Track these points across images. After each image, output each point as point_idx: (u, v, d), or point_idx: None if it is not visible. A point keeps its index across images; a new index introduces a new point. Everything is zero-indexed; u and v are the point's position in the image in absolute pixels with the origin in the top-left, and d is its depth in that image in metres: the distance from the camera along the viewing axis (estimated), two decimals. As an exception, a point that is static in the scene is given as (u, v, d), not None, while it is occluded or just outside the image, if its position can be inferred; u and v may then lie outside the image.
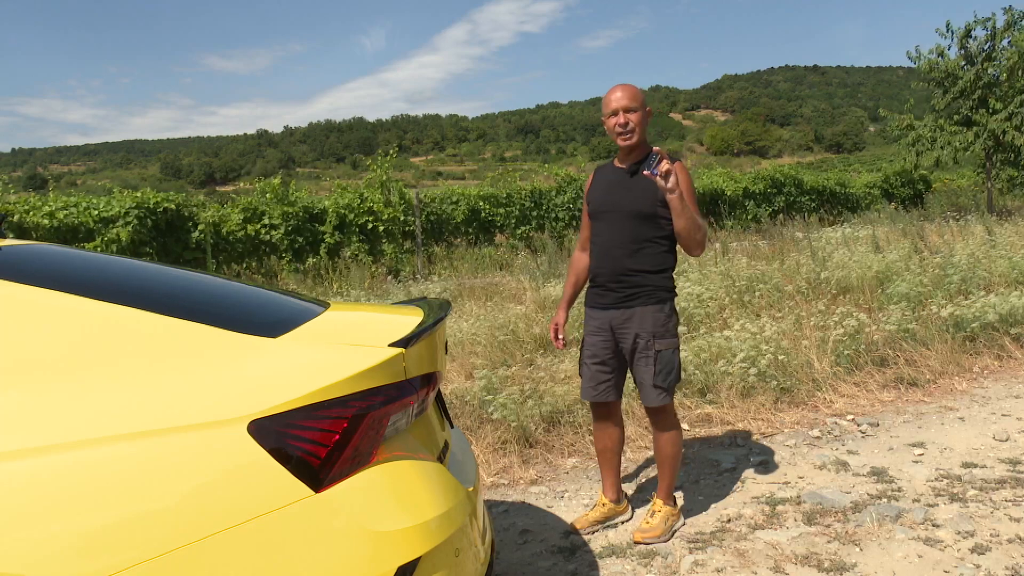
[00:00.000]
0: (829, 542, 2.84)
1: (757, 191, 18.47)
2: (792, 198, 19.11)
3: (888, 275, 7.09)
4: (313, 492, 1.37)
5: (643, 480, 3.58)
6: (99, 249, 9.82)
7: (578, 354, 3.20)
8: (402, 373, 1.56)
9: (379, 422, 1.49)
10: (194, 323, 1.51)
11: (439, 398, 2.11)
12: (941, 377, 5.06)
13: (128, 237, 10.14)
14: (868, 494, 3.26)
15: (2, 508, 1.22)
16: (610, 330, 2.91)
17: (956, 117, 18.24)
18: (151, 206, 10.53)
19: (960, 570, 2.58)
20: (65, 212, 10.07)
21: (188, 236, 10.96)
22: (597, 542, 2.95)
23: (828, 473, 3.55)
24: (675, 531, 2.99)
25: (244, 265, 11.45)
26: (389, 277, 11.63)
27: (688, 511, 3.19)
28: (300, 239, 11.83)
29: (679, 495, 3.32)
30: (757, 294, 6.46)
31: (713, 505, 3.25)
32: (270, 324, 1.64)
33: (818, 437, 4.06)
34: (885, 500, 3.19)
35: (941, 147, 17.99)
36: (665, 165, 2.59)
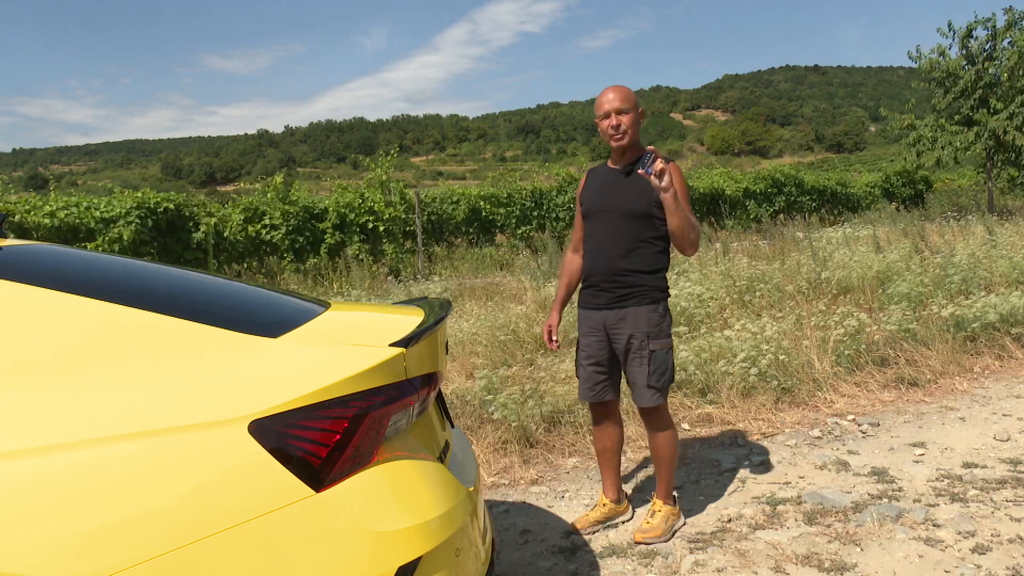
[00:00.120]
0: (830, 542, 2.83)
1: (758, 191, 18.47)
2: (793, 198, 19.10)
3: (889, 275, 7.09)
4: (314, 492, 1.37)
5: (643, 480, 3.58)
6: (101, 249, 9.83)
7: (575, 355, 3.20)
8: (403, 373, 1.56)
9: (380, 422, 1.49)
10: (195, 323, 1.52)
11: (440, 398, 2.11)
12: (942, 377, 5.05)
13: (131, 236, 10.15)
14: (869, 494, 3.26)
15: (2, 508, 1.22)
16: (604, 330, 2.91)
17: (957, 117, 18.23)
18: (152, 206, 10.53)
19: (961, 570, 2.57)
20: (66, 212, 10.07)
21: (189, 236, 10.97)
22: (598, 542, 2.95)
23: (829, 473, 3.55)
24: (676, 531, 2.99)
25: (245, 265, 11.45)
26: (390, 277, 11.63)
27: (689, 511, 3.19)
28: (301, 239, 11.83)
29: (679, 495, 3.32)
30: (758, 294, 6.46)
31: (714, 505, 3.25)
32: (271, 324, 1.64)
33: (819, 437, 4.06)
34: (886, 500, 3.19)
35: (942, 147, 17.98)
36: (659, 164, 2.60)
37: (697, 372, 4.62)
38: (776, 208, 18.55)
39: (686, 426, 4.26)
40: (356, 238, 12.14)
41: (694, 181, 17.22)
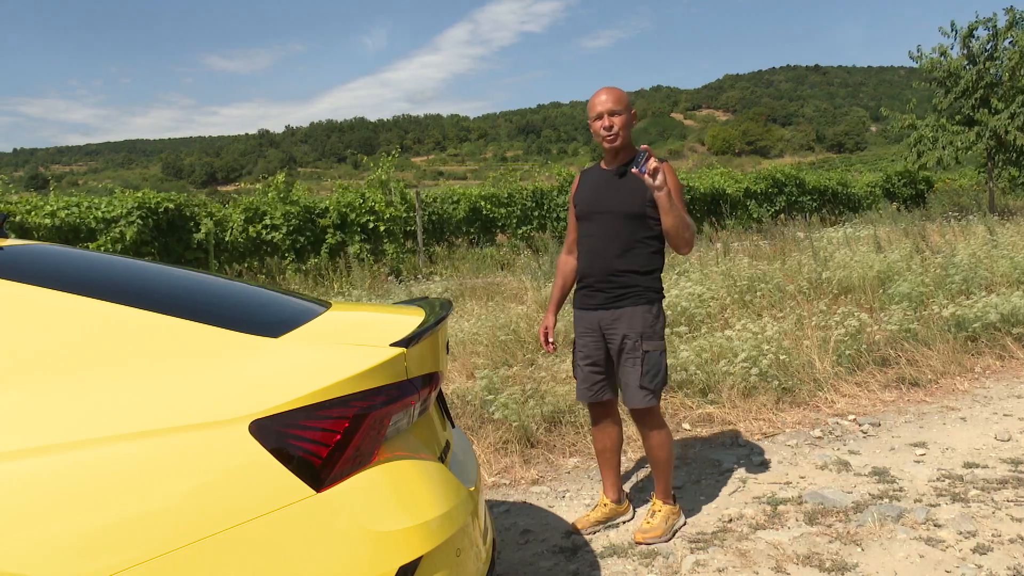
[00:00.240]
0: (831, 542, 2.83)
1: (759, 191, 18.46)
2: (793, 198, 19.10)
3: (890, 275, 7.08)
4: (314, 492, 1.37)
5: (643, 479, 3.58)
6: (102, 249, 9.84)
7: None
8: (403, 373, 1.56)
9: (380, 422, 1.49)
10: (195, 323, 1.51)
11: (440, 398, 2.10)
12: (943, 377, 5.05)
13: (133, 237, 10.15)
14: (870, 494, 3.26)
15: (2, 508, 1.22)
16: (599, 330, 2.91)
17: (958, 117, 18.23)
18: (152, 206, 10.54)
19: (962, 570, 2.57)
20: (67, 212, 10.08)
21: (190, 236, 10.97)
22: (598, 542, 2.95)
23: (830, 473, 3.55)
24: (676, 530, 2.99)
25: (246, 265, 11.46)
26: (390, 277, 11.63)
27: (689, 511, 3.19)
28: (302, 239, 11.84)
29: (680, 495, 3.32)
30: (759, 294, 6.46)
31: (714, 505, 3.25)
32: (271, 324, 1.64)
33: (820, 437, 4.06)
34: (887, 500, 3.18)
35: (943, 147, 17.99)
36: (653, 163, 2.60)
37: (698, 372, 4.62)
38: (777, 208, 18.55)
39: (687, 426, 4.26)
40: (357, 238, 12.14)
41: (695, 181, 17.22)
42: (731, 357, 4.68)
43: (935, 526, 2.92)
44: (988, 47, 17.64)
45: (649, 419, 2.91)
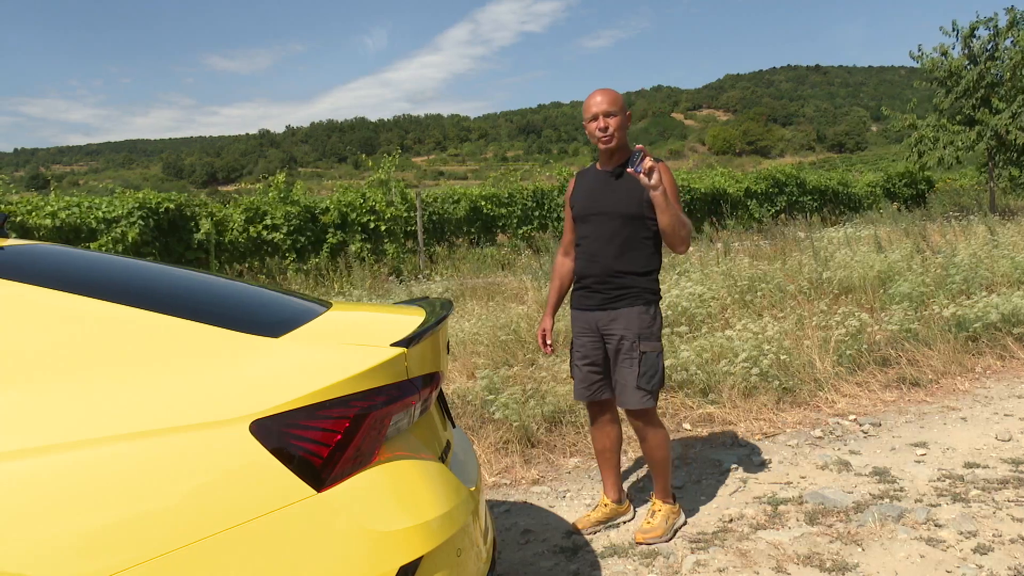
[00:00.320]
0: (831, 542, 2.83)
1: (759, 191, 18.46)
2: (794, 198, 19.09)
3: (890, 275, 7.08)
4: (315, 492, 1.37)
5: (644, 478, 3.58)
6: (103, 249, 9.84)
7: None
8: (404, 373, 1.56)
9: (381, 422, 1.49)
10: (196, 323, 1.51)
11: (441, 398, 2.11)
12: (943, 377, 5.05)
13: (135, 237, 10.16)
14: (870, 494, 3.26)
15: (2, 508, 1.22)
16: (597, 331, 2.92)
17: (959, 117, 18.23)
18: (153, 206, 10.54)
19: (962, 570, 2.57)
20: (67, 212, 10.08)
21: (190, 236, 10.98)
22: (599, 542, 2.95)
23: (830, 473, 3.55)
24: (677, 530, 2.99)
25: (246, 265, 11.46)
26: (391, 277, 11.64)
27: (690, 511, 3.18)
28: (302, 239, 11.84)
29: (681, 495, 3.32)
30: (759, 294, 6.46)
31: (715, 505, 3.25)
32: (272, 324, 1.64)
33: (820, 437, 4.06)
34: (887, 500, 3.18)
35: (943, 147, 17.98)
36: (648, 162, 2.61)
37: (698, 372, 4.62)
38: (777, 208, 18.55)
39: (687, 426, 4.26)
40: (358, 237, 12.15)
41: (696, 182, 17.22)
42: (732, 357, 4.68)
43: (936, 526, 2.92)
44: (989, 47, 17.64)
45: (646, 421, 2.90)
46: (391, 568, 1.39)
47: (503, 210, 14.27)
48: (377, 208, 12.38)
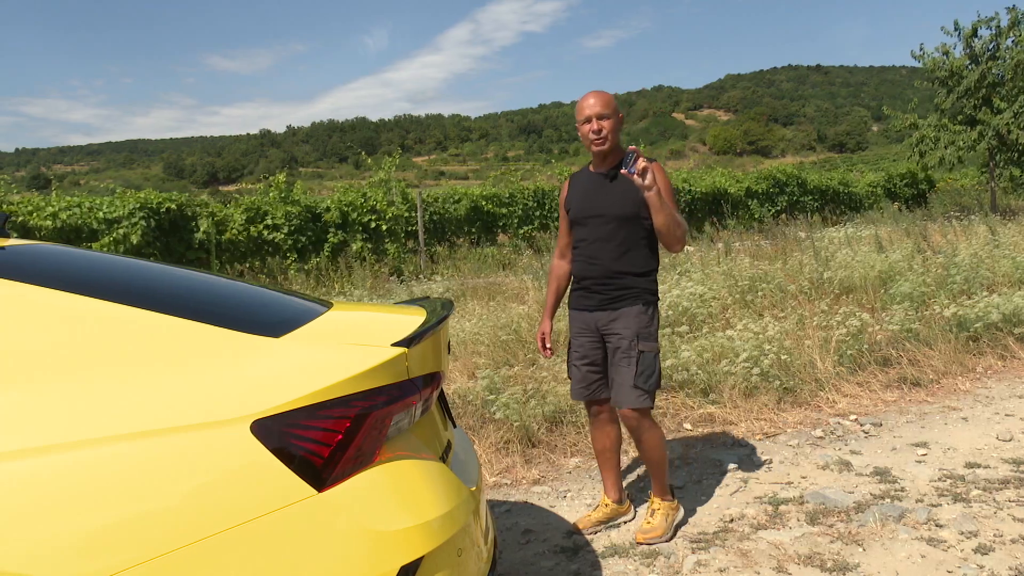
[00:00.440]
0: (832, 542, 2.83)
1: (760, 191, 18.46)
2: (795, 198, 19.09)
3: (891, 275, 7.08)
4: (316, 492, 1.37)
5: (644, 478, 3.58)
6: (106, 250, 9.84)
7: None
8: (405, 373, 1.56)
9: (382, 422, 1.49)
10: (197, 323, 1.52)
11: (442, 398, 2.11)
12: (944, 377, 5.05)
13: (138, 239, 10.15)
14: (871, 494, 3.26)
15: (3, 508, 1.22)
16: (596, 331, 2.92)
17: (960, 116, 18.22)
18: (154, 206, 10.54)
19: (963, 570, 2.57)
20: (68, 213, 10.08)
21: (191, 236, 10.98)
22: (599, 542, 2.95)
23: (831, 473, 3.55)
24: (677, 528, 2.99)
25: (247, 265, 11.47)
26: (392, 277, 11.64)
27: (691, 511, 3.18)
28: (303, 239, 11.85)
29: (681, 495, 3.32)
30: (760, 294, 6.45)
31: (716, 505, 3.25)
32: (273, 324, 1.64)
33: (821, 437, 4.06)
34: (888, 500, 3.18)
35: (945, 146, 17.98)
36: (642, 163, 2.61)
37: (699, 372, 4.62)
38: (778, 208, 18.54)
39: (688, 426, 4.26)
40: (359, 237, 12.15)
41: (696, 182, 17.21)
42: (732, 357, 4.68)
43: (937, 526, 2.92)
44: (991, 46, 17.63)
45: (641, 422, 2.89)
46: (392, 568, 1.39)
47: (504, 210, 14.27)
48: (378, 208, 12.39)
